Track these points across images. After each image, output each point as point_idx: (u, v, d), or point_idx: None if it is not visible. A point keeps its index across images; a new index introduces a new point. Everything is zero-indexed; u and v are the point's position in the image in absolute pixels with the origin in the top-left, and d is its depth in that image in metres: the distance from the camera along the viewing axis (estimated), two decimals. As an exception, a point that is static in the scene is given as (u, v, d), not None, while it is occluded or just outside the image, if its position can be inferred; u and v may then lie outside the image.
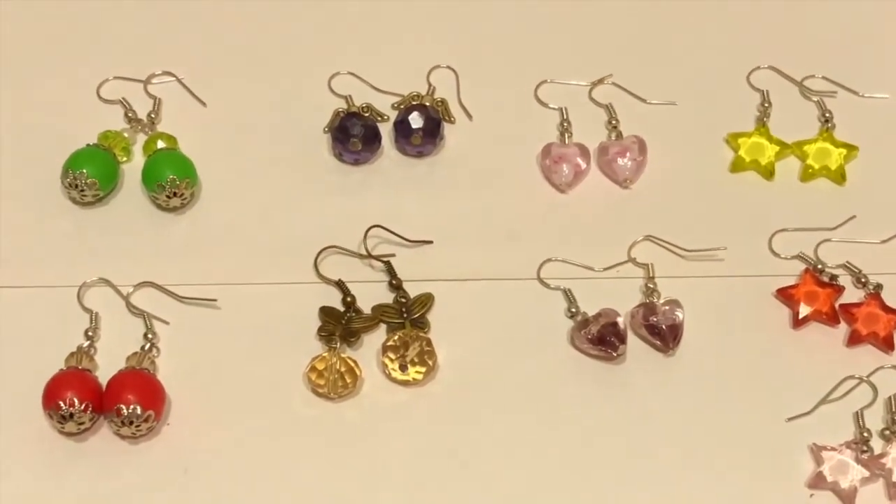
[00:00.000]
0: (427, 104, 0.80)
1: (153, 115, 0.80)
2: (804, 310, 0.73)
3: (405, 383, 0.72)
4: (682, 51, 0.84)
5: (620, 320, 0.72)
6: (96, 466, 0.69)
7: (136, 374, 0.70)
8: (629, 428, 0.70)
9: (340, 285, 0.74)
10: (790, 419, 0.70)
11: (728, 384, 0.71)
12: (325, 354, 0.71)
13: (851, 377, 0.71)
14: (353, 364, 0.71)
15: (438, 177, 0.79)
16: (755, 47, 0.84)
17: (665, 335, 0.72)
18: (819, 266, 0.75)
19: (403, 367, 0.71)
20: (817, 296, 0.73)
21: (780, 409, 0.70)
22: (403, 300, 0.74)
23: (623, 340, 0.72)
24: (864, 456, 0.69)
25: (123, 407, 0.68)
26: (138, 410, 0.68)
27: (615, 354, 0.72)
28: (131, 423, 0.68)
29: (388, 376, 0.72)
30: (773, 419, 0.70)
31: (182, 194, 0.76)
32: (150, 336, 0.72)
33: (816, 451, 0.69)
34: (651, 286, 0.74)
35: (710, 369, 0.72)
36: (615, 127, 0.80)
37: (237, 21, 0.85)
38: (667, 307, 0.73)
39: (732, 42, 0.84)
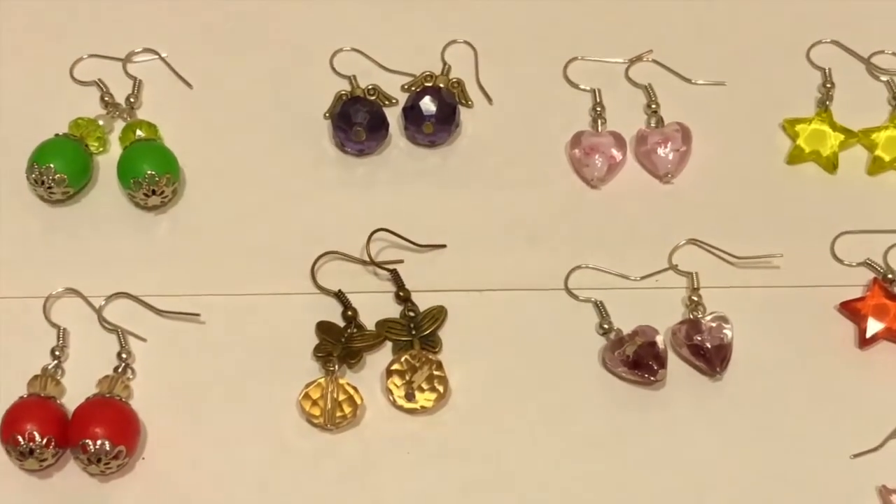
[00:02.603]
0: (441, 86, 0.77)
1: (132, 99, 0.77)
2: (873, 326, 0.70)
3: (413, 411, 0.68)
4: (732, 23, 0.81)
5: (660, 339, 0.69)
6: (61, 507, 0.67)
7: (105, 403, 0.67)
8: (669, 462, 0.68)
9: (340, 297, 0.71)
10: (855, 456, 0.67)
11: (783, 414, 0.69)
12: (322, 381, 0.68)
13: (927, 406, 0.69)
14: (352, 391, 0.68)
15: (453, 170, 0.76)
16: (816, 19, 0.81)
17: (711, 357, 0.69)
18: (889, 275, 0.72)
19: (410, 396, 0.68)
20: (887, 310, 0.71)
21: (844, 443, 0.68)
22: (412, 314, 0.70)
23: (663, 364, 0.69)
24: (942, 501, 0.66)
25: (90, 442, 0.65)
26: (107, 446, 0.65)
27: (654, 379, 0.69)
28: (99, 459, 0.65)
29: (394, 403, 0.68)
30: (835, 455, 0.68)
31: (162, 192, 0.73)
32: (124, 356, 0.70)
33: (886, 495, 0.66)
34: (695, 299, 0.71)
35: (762, 396, 0.69)
36: (655, 112, 0.77)
37: (228, -8, 0.83)
38: (713, 324, 0.70)
39: (790, 13, 0.81)
